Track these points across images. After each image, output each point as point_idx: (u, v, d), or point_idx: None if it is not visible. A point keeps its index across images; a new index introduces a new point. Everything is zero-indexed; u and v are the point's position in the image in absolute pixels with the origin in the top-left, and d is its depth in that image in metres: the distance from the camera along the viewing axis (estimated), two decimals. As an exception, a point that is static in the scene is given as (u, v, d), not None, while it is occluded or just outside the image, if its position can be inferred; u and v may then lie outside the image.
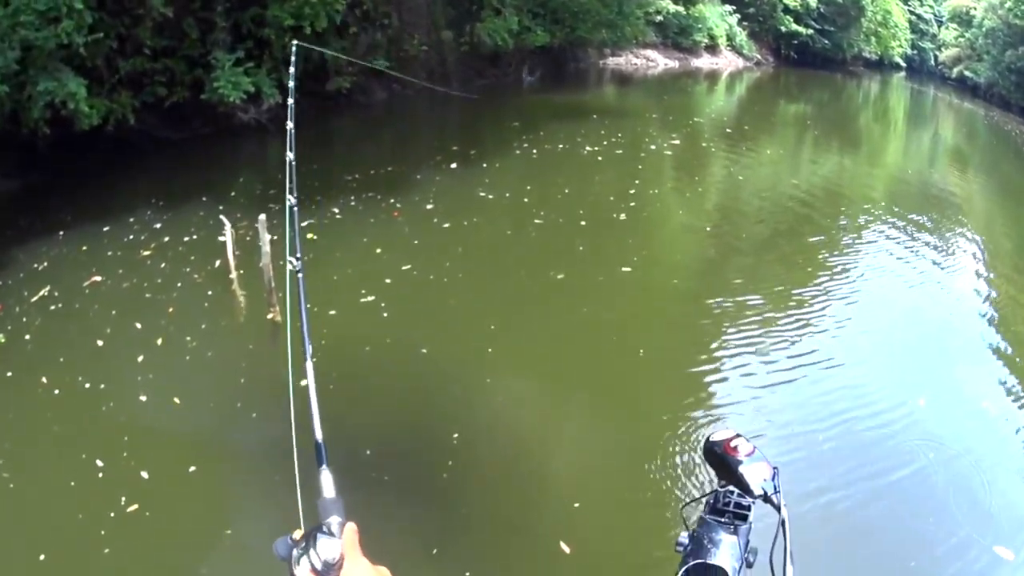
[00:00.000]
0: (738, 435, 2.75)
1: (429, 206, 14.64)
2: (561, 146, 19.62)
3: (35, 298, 10.34)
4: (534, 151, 19.04)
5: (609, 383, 9.42)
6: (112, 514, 6.35)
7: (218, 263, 11.35)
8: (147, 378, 8.37)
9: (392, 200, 14.86)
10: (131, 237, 12.56)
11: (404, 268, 11.76)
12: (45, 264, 11.56)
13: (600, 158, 18.73)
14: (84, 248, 12.09)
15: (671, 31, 38.74)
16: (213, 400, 8.21)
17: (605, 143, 19.99)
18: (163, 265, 11.48)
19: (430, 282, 11.43)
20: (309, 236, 12.79)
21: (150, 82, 18.96)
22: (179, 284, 10.86)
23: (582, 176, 17.13)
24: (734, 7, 43.24)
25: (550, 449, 8.08)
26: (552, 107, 26.14)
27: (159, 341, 9.18)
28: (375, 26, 24.79)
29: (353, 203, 14.83)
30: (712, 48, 41.60)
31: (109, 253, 11.93)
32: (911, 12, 59.27)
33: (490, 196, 15.32)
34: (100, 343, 9.19)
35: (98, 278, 10.91)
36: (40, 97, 14.49)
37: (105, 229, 12.85)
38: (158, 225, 13.17)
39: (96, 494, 6.62)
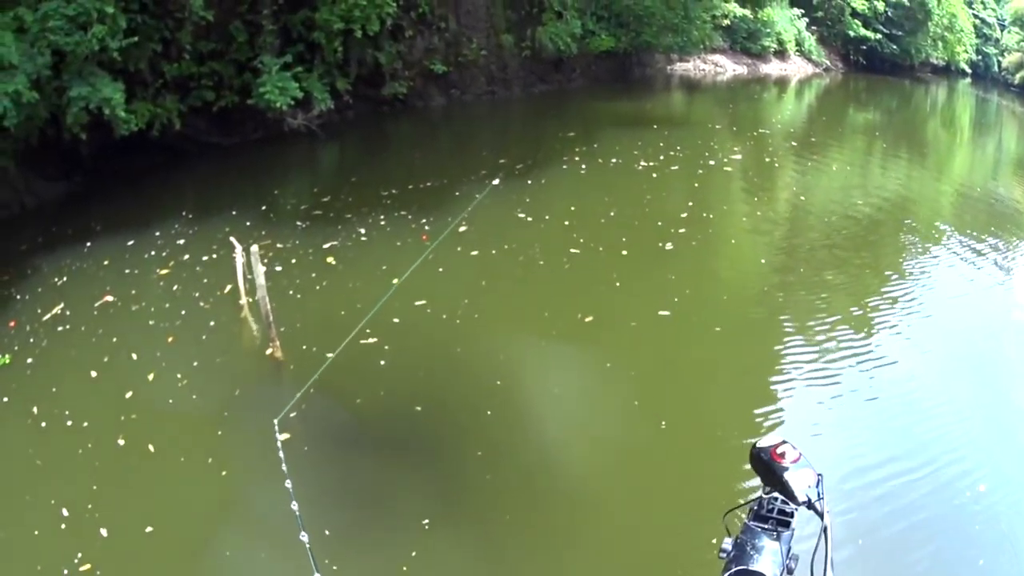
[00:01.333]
0: (784, 441, 2.68)
1: (462, 228, 12.74)
2: (614, 160, 17.42)
3: (47, 316, 9.83)
4: (584, 166, 16.88)
5: (619, 463, 7.55)
6: (65, 571, 5.86)
7: (228, 288, 10.38)
8: (130, 419, 7.67)
9: (424, 221, 13.26)
10: (152, 253, 11.86)
11: (418, 304, 10.12)
12: (65, 279, 11.05)
13: (655, 175, 16.46)
14: (105, 263, 11.49)
15: (739, 36, 36.16)
16: (185, 453, 7.29)
17: (662, 157, 17.68)
18: (175, 287, 10.71)
19: (441, 323, 9.76)
20: (328, 260, 11.63)
21: (197, 86, 17.86)
22: (183, 312, 9.95)
23: (632, 196, 14.96)
24: (802, 11, 40.40)
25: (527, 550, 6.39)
26: (613, 115, 23.85)
27: (151, 376, 8.43)
28: (432, 29, 23.01)
29: (383, 222, 13.25)
30: (781, 53, 38.82)
31: (127, 271, 11.24)
32: (975, 16, 55.50)
33: (529, 218, 13.37)
34: (94, 374, 8.50)
35: (110, 298, 10.24)
36: (74, 103, 13.55)
37: (130, 243, 12.21)
38: (181, 241, 12.37)
39: (55, 547, 6.12)
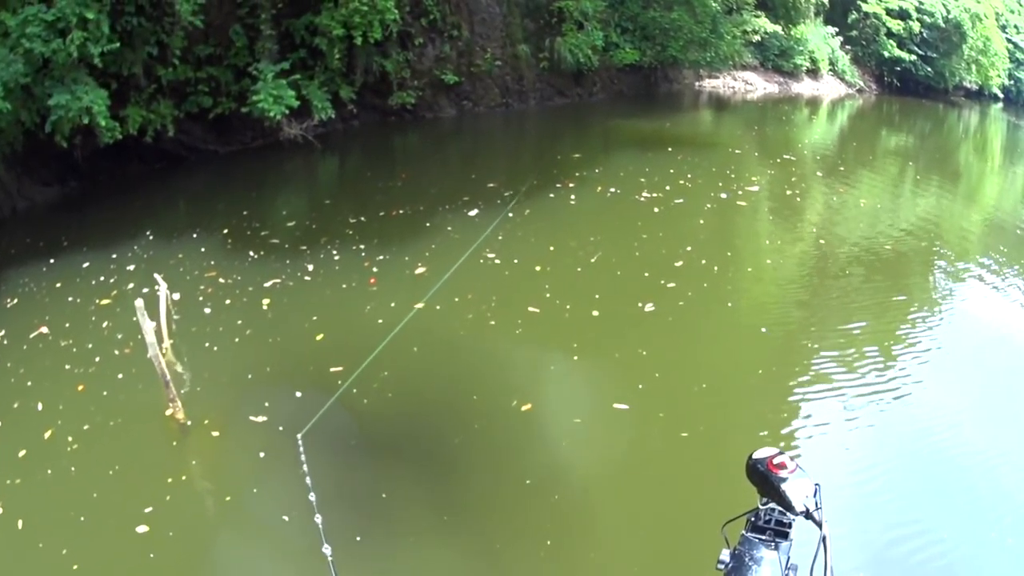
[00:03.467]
0: (781, 452, 2.53)
1: (419, 270, 10.56)
2: (613, 190, 14.60)
3: (-16, 345, 8.68)
4: (574, 196, 14.08)
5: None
6: None
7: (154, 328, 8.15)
8: (14, 484, 6.50)
9: (379, 258, 11.02)
10: (101, 279, 10.37)
11: (333, 370, 7.92)
12: (15, 301, 9.86)
13: (656, 209, 13.61)
14: (57, 285, 10.19)
15: (771, 53, 32.96)
16: (45, 538, 5.90)
17: (668, 187, 14.79)
18: (105, 324, 9.13)
19: (349, 399, 7.35)
20: (263, 303, 9.63)
21: (193, 91, 16.12)
22: (98, 358, 8.38)
23: (623, 235, 12.16)
24: (836, 30, 37.28)
25: None
26: (629, 134, 20.98)
27: (47, 434, 7.13)
28: (443, 38, 20.68)
29: (336, 257, 11.14)
30: (814, 72, 35.55)
31: (70, 298, 9.85)
32: (1008, 40, 51.71)
33: (497, 261, 10.79)
34: (-1, 424, 7.26)
35: (44, 330, 8.96)
36: (54, 112, 12.30)
37: (85, 265, 10.79)
38: (131, 267, 10.75)
39: None
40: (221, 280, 10.29)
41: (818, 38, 35.67)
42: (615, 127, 22.48)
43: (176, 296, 9.18)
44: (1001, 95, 51.90)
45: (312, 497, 5.23)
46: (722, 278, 10.90)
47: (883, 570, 5.72)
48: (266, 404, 7.42)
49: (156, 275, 8.91)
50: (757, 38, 31.09)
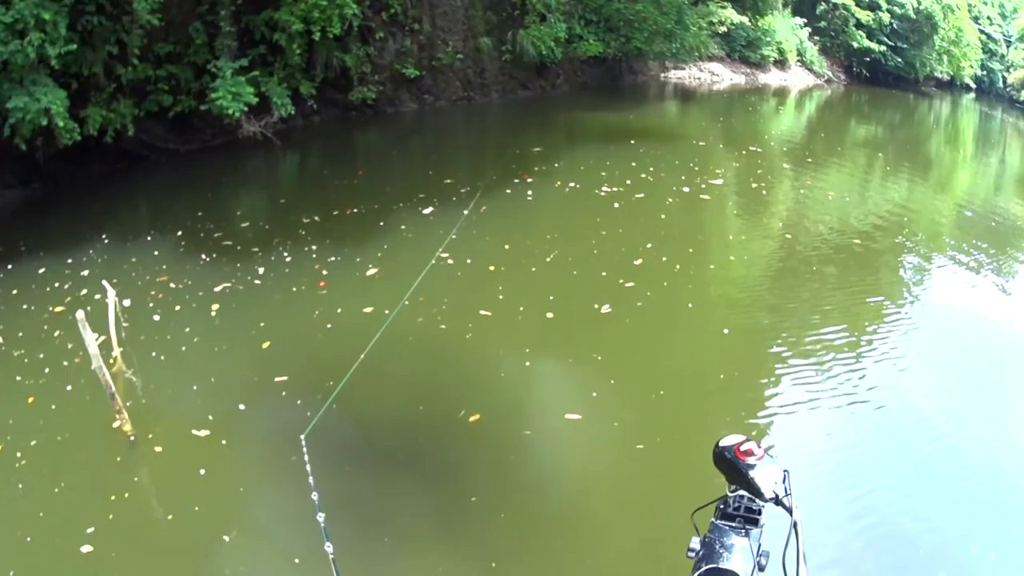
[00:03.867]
0: (748, 439, 2.54)
1: (370, 272, 10.25)
2: (572, 184, 14.28)
3: (-66, 360, 8.27)
4: (531, 192, 13.72)
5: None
6: None
7: (101, 339, 7.96)
8: None
9: (331, 259, 10.61)
10: (56, 285, 9.93)
11: (277, 380, 7.64)
12: None
13: (616, 204, 13.29)
14: (13, 292, 9.74)
15: (738, 44, 32.92)
16: None
17: (629, 182, 14.47)
18: (57, 333, 8.69)
19: (294, 411, 7.11)
20: (212, 308, 9.38)
21: (153, 90, 15.76)
22: (47, 369, 7.98)
23: (581, 233, 11.83)
24: (804, 21, 37.24)
25: None
26: (592, 127, 20.73)
27: None
28: (404, 31, 20.36)
29: (287, 259, 10.82)
30: (781, 63, 35.53)
31: (24, 306, 9.41)
32: (981, 31, 51.93)
33: (450, 261, 10.41)
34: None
35: None
36: (12, 115, 11.93)
37: (41, 271, 10.34)
38: (85, 272, 10.29)
39: None
40: (172, 285, 9.94)
41: (786, 29, 35.67)
42: (577, 120, 22.18)
43: (127, 302, 8.82)
44: (973, 85, 52.23)
45: (315, 497, 4.94)
46: (683, 277, 10.57)
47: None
48: (209, 417, 7.10)
49: (104, 282, 8.58)
50: (723, 29, 31.03)
